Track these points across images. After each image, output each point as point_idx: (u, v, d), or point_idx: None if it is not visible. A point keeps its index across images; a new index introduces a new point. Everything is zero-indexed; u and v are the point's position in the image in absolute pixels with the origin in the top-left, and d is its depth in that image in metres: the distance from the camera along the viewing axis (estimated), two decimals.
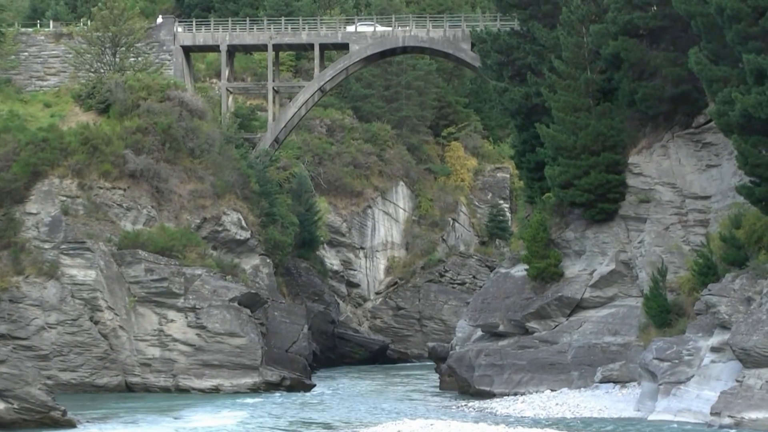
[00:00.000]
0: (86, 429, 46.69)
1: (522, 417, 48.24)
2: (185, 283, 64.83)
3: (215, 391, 63.72)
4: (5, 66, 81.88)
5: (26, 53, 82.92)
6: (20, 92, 79.55)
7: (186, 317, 64.74)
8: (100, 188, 67.57)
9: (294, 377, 66.65)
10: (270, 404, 57.22)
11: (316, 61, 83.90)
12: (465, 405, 54.52)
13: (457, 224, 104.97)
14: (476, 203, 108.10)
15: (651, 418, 45.36)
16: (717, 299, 45.47)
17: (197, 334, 64.59)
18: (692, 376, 45.28)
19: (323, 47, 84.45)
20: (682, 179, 56.87)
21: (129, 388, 64.32)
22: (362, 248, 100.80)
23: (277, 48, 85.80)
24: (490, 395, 57.54)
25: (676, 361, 45.95)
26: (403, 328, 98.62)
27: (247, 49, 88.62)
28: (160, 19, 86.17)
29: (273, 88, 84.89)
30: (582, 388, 54.60)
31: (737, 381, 42.51)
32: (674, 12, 53.14)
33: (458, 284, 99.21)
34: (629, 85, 57.65)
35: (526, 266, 61.62)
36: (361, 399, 61.09)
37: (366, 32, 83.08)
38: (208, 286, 65.17)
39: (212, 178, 70.91)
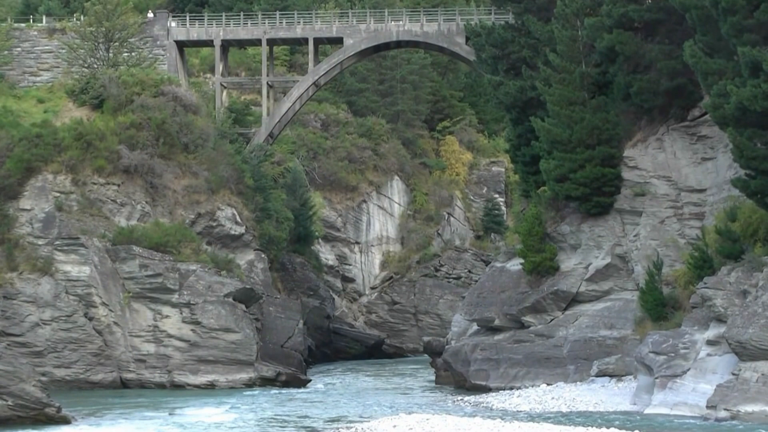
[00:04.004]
0: (81, 426, 46.56)
1: (518, 411, 48.17)
2: (180, 278, 64.69)
3: (210, 386, 63.62)
4: None
5: (19, 48, 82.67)
6: (13, 88, 79.32)
7: (181, 313, 64.62)
8: (94, 184, 67.43)
9: (289, 372, 66.55)
10: (265, 400, 57.11)
11: (311, 55, 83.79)
12: (461, 399, 54.46)
13: (452, 218, 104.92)
14: (471, 197, 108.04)
15: (647, 411, 45.30)
16: (713, 292, 45.39)
17: (192, 330, 64.49)
18: (688, 370, 45.22)
19: (317, 41, 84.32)
20: (678, 172, 56.79)
21: (124, 385, 64.22)
22: (357, 243, 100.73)
23: (271, 42, 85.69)
24: (486, 390, 57.48)
25: (672, 354, 45.88)
26: (399, 322, 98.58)
27: (241, 43, 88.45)
28: (150, 15, 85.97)
29: (267, 83, 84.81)
30: (578, 382, 54.53)
31: (733, 374, 42.45)
32: (669, 5, 53.07)
33: (454, 279, 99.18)
34: (624, 79, 57.56)
35: (522, 260, 61.54)
36: (357, 394, 61.01)
37: (360, 26, 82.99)
38: (203, 281, 65.05)
39: (206, 173, 70.80)
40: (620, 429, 39.46)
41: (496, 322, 61.24)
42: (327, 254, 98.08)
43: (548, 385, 55.37)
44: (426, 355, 75.86)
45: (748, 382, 41.52)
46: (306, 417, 49.35)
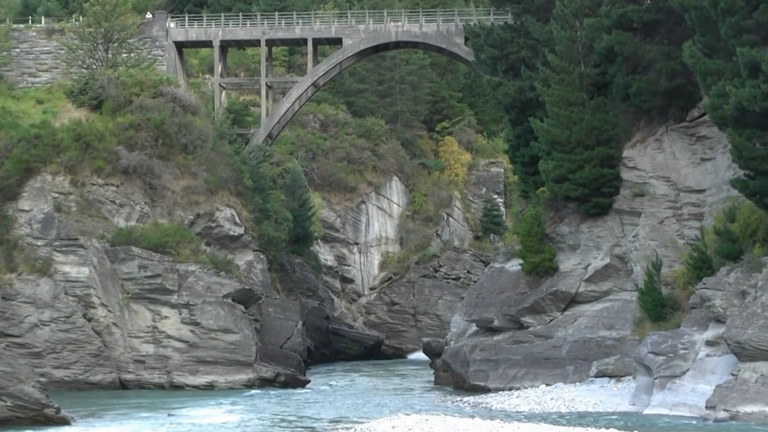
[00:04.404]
0: (80, 426, 46.53)
1: (517, 412, 48.15)
2: (179, 279, 64.67)
3: (209, 387, 63.59)
4: None
5: (18, 49, 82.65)
6: (12, 89, 79.28)
7: (180, 314, 64.59)
8: (93, 185, 67.38)
9: (288, 373, 66.52)
10: (264, 401, 57.08)
11: (310, 56, 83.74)
12: (460, 400, 54.44)
13: (451, 219, 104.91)
14: (470, 198, 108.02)
15: (646, 412, 45.29)
16: (712, 293, 45.38)
17: (191, 331, 64.46)
18: (687, 370, 45.21)
19: (316, 42, 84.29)
20: (677, 173, 56.76)
21: (123, 385, 64.19)
22: (356, 244, 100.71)
23: (270, 43, 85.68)
24: (485, 390, 57.45)
25: (671, 355, 45.87)
26: (398, 323, 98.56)
27: (240, 44, 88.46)
28: (149, 16, 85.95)
29: (266, 84, 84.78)
30: (577, 383, 54.52)
31: (732, 375, 42.45)
32: (668, 5, 53.02)
33: (453, 279, 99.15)
34: (623, 79, 57.53)
35: (521, 261, 61.51)
36: (356, 395, 60.98)
37: (359, 27, 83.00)
38: (202, 282, 65.02)
39: (205, 174, 70.76)
40: (619, 430, 39.44)
41: (495, 323, 61.22)
42: (326, 255, 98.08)
43: (547, 385, 55.34)
44: (425, 355, 75.87)
45: (747, 382, 41.51)
46: (306, 418, 49.32)
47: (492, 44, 68.69)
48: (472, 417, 44.10)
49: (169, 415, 50.62)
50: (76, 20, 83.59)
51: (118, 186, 68.01)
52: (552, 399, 50.91)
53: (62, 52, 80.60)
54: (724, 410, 41.04)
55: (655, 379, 46.04)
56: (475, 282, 76.15)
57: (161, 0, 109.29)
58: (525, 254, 60.86)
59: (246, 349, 64.46)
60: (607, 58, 58.25)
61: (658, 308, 51.84)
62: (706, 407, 42.04)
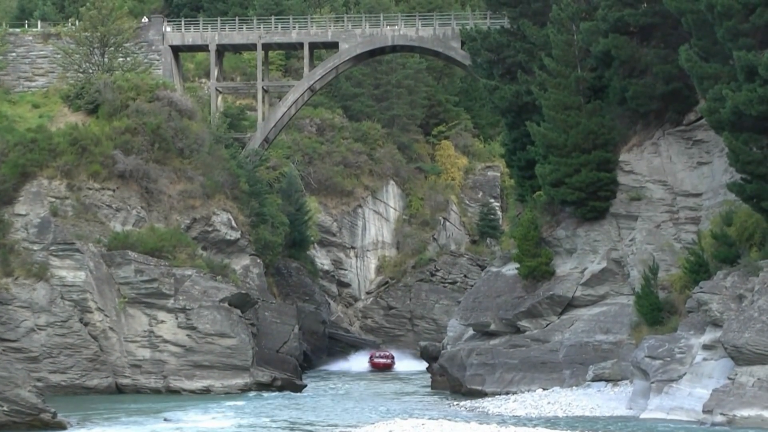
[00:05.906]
0: (76, 431, 46.41)
1: (514, 416, 48.10)
2: (175, 283, 64.60)
3: (206, 392, 63.51)
4: None
5: (14, 54, 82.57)
6: (8, 93, 79.21)
7: (176, 318, 64.52)
8: (89, 189, 67.32)
9: (285, 378, 66.48)
10: (261, 405, 57.01)
11: (306, 60, 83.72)
12: (457, 404, 54.38)
13: (447, 223, 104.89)
14: (467, 202, 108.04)
15: (643, 416, 45.25)
16: (709, 297, 45.35)
17: (187, 335, 64.38)
18: (684, 374, 45.18)
19: (313, 46, 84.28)
20: (673, 177, 56.77)
21: (119, 390, 64.09)
22: (353, 248, 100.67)
23: (267, 47, 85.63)
24: (482, 394, 57.41)
25: (668, 359, 45.83)
26: (395, 327, 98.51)
27: (237, 48, 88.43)
28: (145, 20, 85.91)
29: (262, 88, 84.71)
30: (574, 387, 54.49)
31: (729, 379, 42.42)
32: (665, 9, 53.03)
33: (449, 283, 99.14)
34: (620, 83, 57.55)
35: (518, 265, 61.50)
36: (352, 399, 60.92)
37: (356, 31, 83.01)
38: (198, 286, 64.94)
39: (202, 178, 70.71)
40: None
41: (492, 327, 61.18)
42: (322, 259, 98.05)
43: (544, 389, 55.29)
44: (422, 359, 75.84)
45: (744, 386, 41.48)
46: (302, 422, 49.25)
47: (488, 48, 68.72)
48: (469, 421, 44.04)
49: (165, 419, 50.54)
50: (72, 24, 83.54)
51: (114, 190, 67.96)
52: (549, 403, 50.86)
53: (58, 56, 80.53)
54: (721, 414, 41.01)
55: (652, 383, 45.99)
56: (472, 286, 76.11)
57: (157, 4, 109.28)
58: (522, 258, 60.85)
59: (242, 354, 64.38)
60: (604, 62, 58.26)
61: (655, 312, 51.79)
62: (703, 411, 42.02)
